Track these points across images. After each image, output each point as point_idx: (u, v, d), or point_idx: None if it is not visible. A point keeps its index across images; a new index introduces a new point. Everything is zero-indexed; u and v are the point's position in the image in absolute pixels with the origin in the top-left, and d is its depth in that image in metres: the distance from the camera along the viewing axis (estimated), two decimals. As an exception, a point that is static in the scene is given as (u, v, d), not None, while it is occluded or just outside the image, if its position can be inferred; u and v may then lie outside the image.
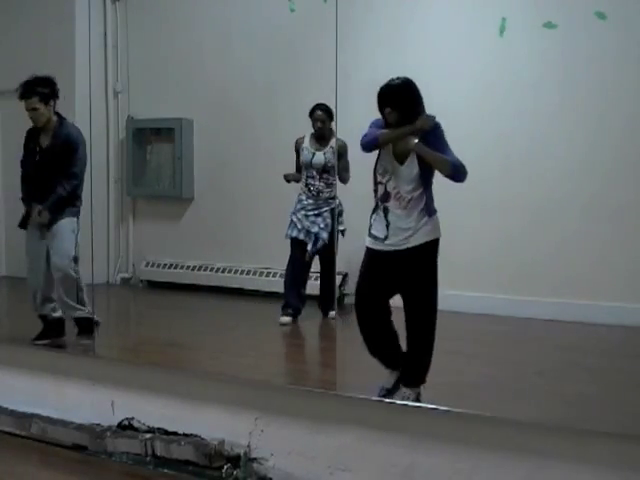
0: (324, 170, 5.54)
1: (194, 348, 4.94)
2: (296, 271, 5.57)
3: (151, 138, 7.31)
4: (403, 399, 3.52)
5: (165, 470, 3.74)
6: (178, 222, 7.18)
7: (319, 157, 5.54)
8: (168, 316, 6.01)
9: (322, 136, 5.59)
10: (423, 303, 3.56)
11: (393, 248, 3.56)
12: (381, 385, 3.70)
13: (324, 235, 5.50)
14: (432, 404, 3.34)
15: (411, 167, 3.63)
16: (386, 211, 3.60)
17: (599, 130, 5.41)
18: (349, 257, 5.72)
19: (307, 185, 5.62)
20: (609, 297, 5.27)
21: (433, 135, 3.62)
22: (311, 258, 5.60)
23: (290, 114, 6.52)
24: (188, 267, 6.99)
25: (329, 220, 5.51)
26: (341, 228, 5.45)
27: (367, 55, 6.06)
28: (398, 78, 3.71)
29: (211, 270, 6.88)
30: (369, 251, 3.68)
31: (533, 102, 5.57)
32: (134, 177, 7.28)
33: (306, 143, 5.65)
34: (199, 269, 6.93)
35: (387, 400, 3.46)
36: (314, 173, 5.57)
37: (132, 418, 3.96)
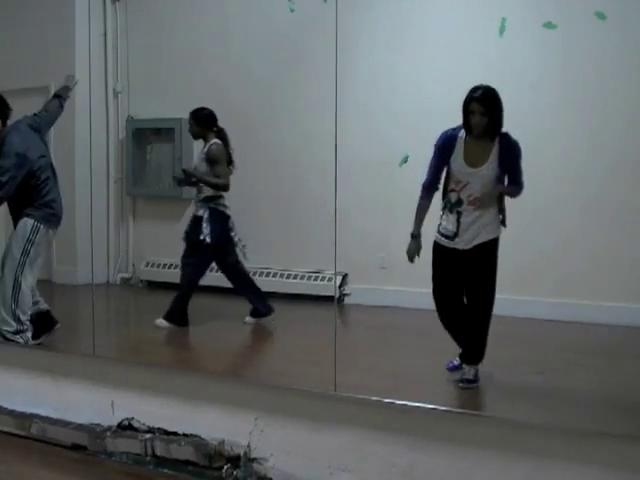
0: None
1: (194, 348, 4.94)
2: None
3: (151, 138, 7.31)
4: (465, 375, 3.85)
5: (165, 470, 3.73)
6: (178, 222, 7.17)
7: (195, 161, 5.69)
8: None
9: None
10: (483, 294, 3.85)
11: (460, 246, 3.80)
12: (450, 361, 3.94)
13: (200, 237, 5.57)
14: (432, 404, 3.34)
15: (488, 171, 3.76)
16: (459, 214, 3.79)
17: (599, 130, 5.42)
18: (349, 257, 5.74)
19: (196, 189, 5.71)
20: (609, 297, 5.27)
21: (510, 153, 3.79)
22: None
23: (290, 114, 6.52)
24: (188, 267, 6.98)
25: (205, 223, 5.56)
26: (201, 237, 5.58)
27: (367, 55, 6.06)
28: (482, 85, 3.80)
29: (211, 270, 6.87)
30: (438, 247, 3.89)
31: (532, 102, 5.57)
32: (134, 177, 7.28)
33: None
34: (199, 269, 6.92)
35: (387, 400, 3.46)
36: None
37: (132, 418, 3.96)
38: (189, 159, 7.10)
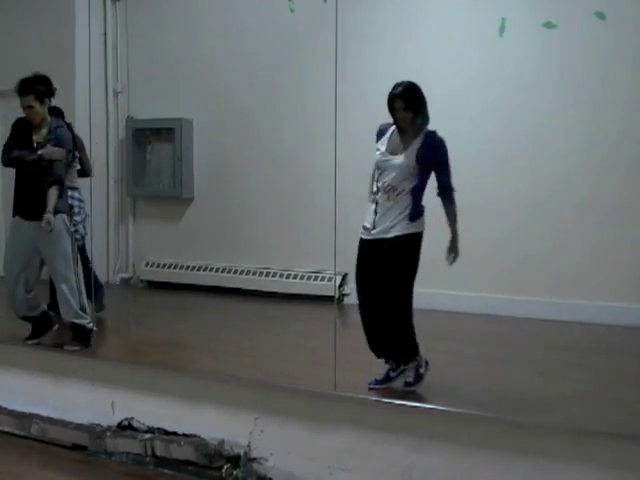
0: None
1: (194, 348, 4.94)
2: None
3: (151, 138, 7.31)
4: (406, 378, 3.75)
5: (165, 470, 3.74)
6: (178, 222, 7.18)
7: None
8: (168, 316, 6.00)
9: None
10: (394, 287, 3.72)
11: (377, 237, 3.75)
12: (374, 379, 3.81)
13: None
14: (432, 404, 3.35)
15: (407, 160, 3.75)
16: (376, 203, 3.78)
17: (596, 129, 5.42)
18: (349, 257, 5.74)
19: None
20: (609, 297, 5.28)
21: (435, 150, 3.76)
22: None
23: (290, 114, 6.53)
24: (188, 267, 7.00)
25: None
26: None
27: (367, 54, 6.07)
28: (403, 82, 3.82)
29: (211, 270, 6.88)
30: (360, 242, 3.86)
31: (531, 101, 5.58)
32: (134, 177, 7.28)
33: None
34: (199, 269, 6.94)
35: (387, 400, 3.46)
36: None
37: (132, 418, 3.96)
38: (189, 159, 7.12)
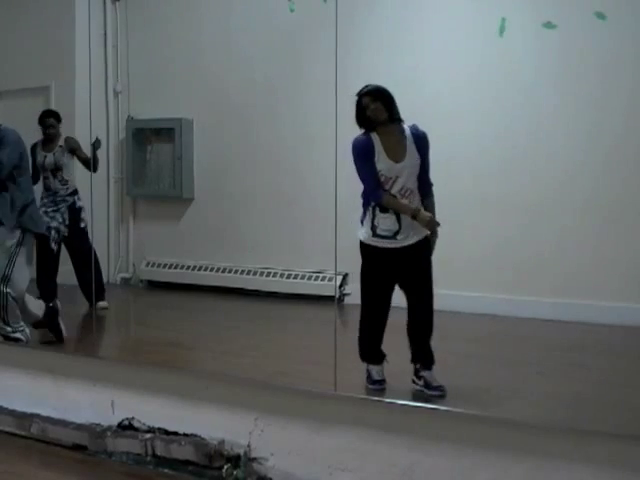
0: (57, 169, 5.92)
1: (194, 348, 4.94)
2: (44, 263, 5.78)
3: (151, 138, 7.31)
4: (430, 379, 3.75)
5: (165, 470, 3.74)
6: (178, 222, 7.18)
7: (50, 158, 5.93)
8: (168, 316, 6.01)
9: (51, 139, 5.99)
10: (425, 290, 3.80)
11: (403, 244, 3.78)
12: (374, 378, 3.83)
13: (62, 228, 5.87)
14: (432, 404, 3.35)
15: (412, 160, 3.78)
16: (397, 212, 3.77)
17: (598, 129, 5.42)
18: (349, 257, 5.73)
19: (45, 185, 5.99)
20: (609, 297, 5.27)
21: (423, 141, 3.83)
22: (56, 250, 5.93)
23: (290, 114, 6.52)
24: (188, 267, 6.99)
25: (66, 215, 5.88)
26: (82, 225, 5.83)
27: (367, 55, 6.06)
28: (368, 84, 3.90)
29: (211, 270, 6.88)
30: (378, 250, 3.85)
31: (532, 102, 5.57)
32: (134, 177, 7.28)
33: (39, 147, 6.02)
34: (199, 269, 6.93)
35: (387, 400, 3.46)
36: (48, 174, 5.95)
37: (132, 418, 3.96)
38: (189, 159, 7.11)
